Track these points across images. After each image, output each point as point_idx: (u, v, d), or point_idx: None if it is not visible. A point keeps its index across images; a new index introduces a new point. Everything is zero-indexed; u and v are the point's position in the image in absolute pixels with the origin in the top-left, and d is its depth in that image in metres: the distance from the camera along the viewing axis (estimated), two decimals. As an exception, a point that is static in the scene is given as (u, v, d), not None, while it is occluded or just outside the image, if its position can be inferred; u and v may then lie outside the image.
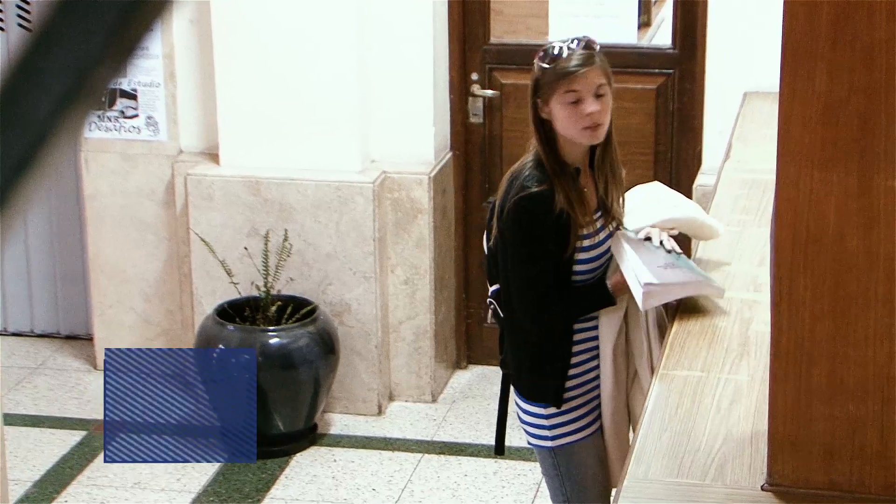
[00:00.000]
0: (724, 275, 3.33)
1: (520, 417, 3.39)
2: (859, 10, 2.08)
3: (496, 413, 5.13)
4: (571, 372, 3.29)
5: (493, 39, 5.16)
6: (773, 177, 2.20)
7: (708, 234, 3.48)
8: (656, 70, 5.02)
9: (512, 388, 3.42)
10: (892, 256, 2.16)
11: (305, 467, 4.73)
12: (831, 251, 2.19)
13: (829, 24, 2.10)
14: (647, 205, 3.42)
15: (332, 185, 4.90)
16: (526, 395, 3.34)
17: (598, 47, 3.20)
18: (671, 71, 5.00)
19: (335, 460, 4.78)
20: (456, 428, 4.99)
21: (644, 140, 5.07)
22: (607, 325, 3.27)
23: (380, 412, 5.09)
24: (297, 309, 4.79)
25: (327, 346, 4.81)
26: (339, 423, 5.03)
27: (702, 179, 4.77)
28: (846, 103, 2.12)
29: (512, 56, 5.17)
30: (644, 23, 5.56)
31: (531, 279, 3.20)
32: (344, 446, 4.88)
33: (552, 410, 3.30)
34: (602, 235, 3.27)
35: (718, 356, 2.89)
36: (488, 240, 3.41)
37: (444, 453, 4.82)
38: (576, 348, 3.29)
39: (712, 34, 4.74)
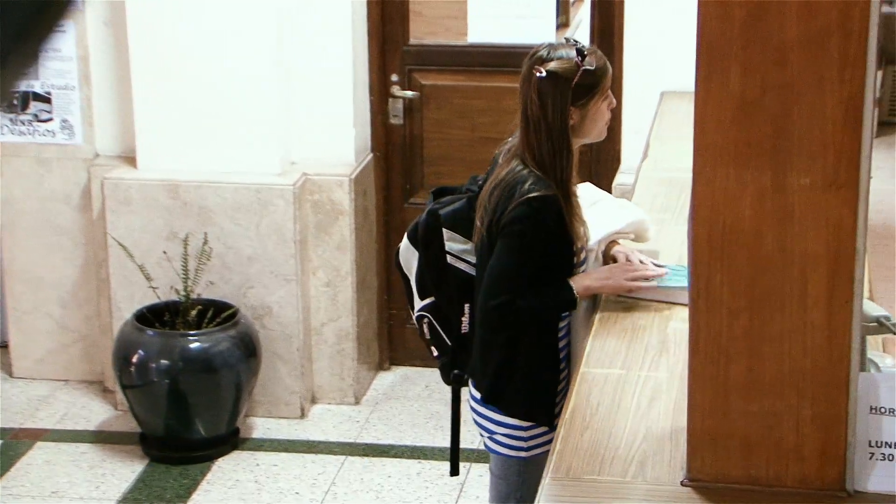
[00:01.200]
0: (643, 273, 3.36)
1: (487, 429, 3.31)
2: (770, 10, 2.11)
3: (420, 414, 5.15)
4: (560, 387, 3.25)
5: (412, 41, 5.16)
6: (690, 175, 2.22)
7: (646, 236, 3.48)
8: (575, 70, 5.04)
9: (474, 397, 3.33)
10: (805, 253, 2.19)
11: (227, 472, 4.69)
12: (747, 248, 2.22)
13: (741, 25, 2.13)
14: (596, 213, 3.42)
15: (252, 187, 4.86)
16: (512, 414, 3.25)
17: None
18: (589, 71, 5.03)
19: (257, 464, 4.75)
20: (379, 430, 4.98)
21: (563, 140, 5.09)
22: (577, 331, 3.25)
23: (302, 415, 5.06)
24: (218, 313, 4.76)
25: (249, 349, 4.77)
26: (261, 426, 4.99)
27: (621, 178, 4.81)
28: (759, 102, 2.15)
29: (431, 57, 5.18)
30: (562, 23, 5.60)
31: (513, 272, 3.12)
32: (266, 450, 4.85)
33: (531, 423, 3.25)
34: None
35: (638, 354, 2.92)
36: (425, 250, 3.34)
37: (367, 455, 4.80)
38: (562, 362, 3.26)
39: (629, 35, 4.77)
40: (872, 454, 2.28)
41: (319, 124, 4.96)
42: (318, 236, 5.03)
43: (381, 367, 5.43)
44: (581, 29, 5.37)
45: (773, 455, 2.28)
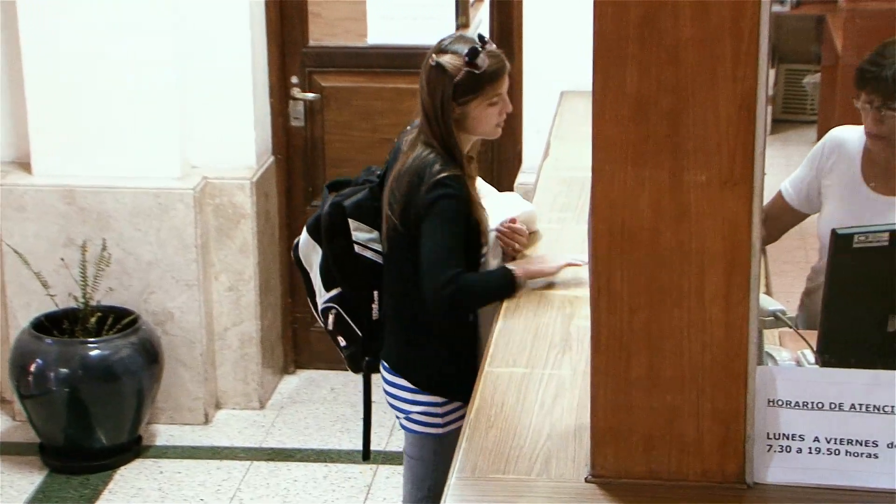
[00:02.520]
0: (545, 272, 3.38)
1: (402, 409, 3.36)
2: (665, 9, 2.13)
3: (325, 417, 5.13)
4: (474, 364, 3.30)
5: (311, 42, 5.14)
6: (590, 174, 2.24)
7: (535, 227, 3.60)
8: (475, 71, 5.06)
9: (387, 379, 3.38)
10: (702, 250, 2.22)
11: (130, 480, 4.63)
12: (646, 245, 2.24)
13: (636, 24, 2.15)
14: (490, 204, 3.49)
15: (151, 192, 4.81)
16: (430, 390, 3.32)
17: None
18: (490, 72, 5.05)
19: (161, 472, 4.69)
20: (285, 433, 4.96)
21: (465, 140, 5.11)
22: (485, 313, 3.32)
23: (206, 421, 5.02)
24: (118, 319, 4.70)
25: (150, 356, 4.72)
26: (164, 433, 4.94)
27: (522, 178, 4.85)
28: (656, 101, 2.17)
29: (331, 59, 5.16)
30: (462, 24, 5.61)
31: (447, 247, 3.18)
32: (170, 457, 4.80)
33: (446, 399, 3.32)
34: None
35: (542, 352, 2.93)
36: (329, 241, 3.38)
37: (273, 460, 4.78)
38: (480, 340, 3.32)
39: (528, 35, 4.80)
40: (770, 446, 2.32)
41: (219, 127, 4.92)
42: (219, 240, 4.98)
43: (285, 370, 5.40)
44: (481, 29, 5.39)
45: (674, 450, 2.31)
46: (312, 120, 5.19)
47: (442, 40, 3.30)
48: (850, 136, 3.39)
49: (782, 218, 3.50)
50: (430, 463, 3.38)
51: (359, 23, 5.25)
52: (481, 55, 3.23)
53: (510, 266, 3.29)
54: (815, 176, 3.43)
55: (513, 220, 3.49)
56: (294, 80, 5.15)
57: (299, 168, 5.27)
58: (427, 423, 3.34)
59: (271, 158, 5.16)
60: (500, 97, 3.28)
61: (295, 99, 5.16)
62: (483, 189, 3.56)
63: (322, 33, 5.23)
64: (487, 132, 3.31)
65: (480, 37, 3.29)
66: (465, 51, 3.22)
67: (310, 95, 5.15)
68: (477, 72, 3.21)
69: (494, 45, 3.32)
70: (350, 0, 5.32)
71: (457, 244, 3.20)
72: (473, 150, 3.40)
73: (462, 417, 3.21)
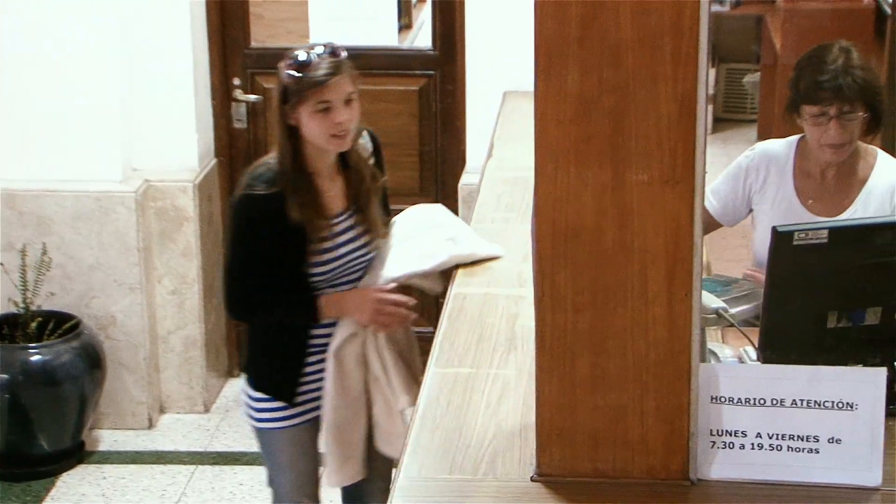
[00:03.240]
0: (490, 272, 3.39)
1: (244, 402, 3.45)
2: (605, 10, 2.14)
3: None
4: (306, 370, 3.36)
5: (253, 44, 5.11)
6: (533, 174, 2.25)
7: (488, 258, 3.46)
8: (418, 71, 5.07)
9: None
10: (645, 248, 2.24)
11: (73, 487, 4.59)
12: (589, 245, 2.25)
13: (577, 24, 2.16)
14: (404, 250, 3.40)
15: (92, 195, 4.76)
16: (251, 383, 3.40)
17: (344, 54, 3.22)
18: (433, 72, 5.06)
19: (104, 477, 4.66)
20: (230, 437, 4.93)
21: (409, 141, 5.12)
22: (340, 328, 3.33)
23: (150, 425, 4.98)
24: (60, 324, 4.65)
25: (93, 360, 4.68)
26: (107, 438, 4.90)
27: (466, 179, 4.85)
28: (597, 101, 2.19)
29: (274, 60, 5.04)
30: (405, 25, 5.62)
31: (235, 276, 3.29)
32: (113, 462, 4.76)
33: (262, 395, 3.38)
34: (345, 237, 3.32)
35: (487, 352, 2.94)
36: None
37: (218, 463, 4.75)
38: (311, 349, 3.35)
39: (470, 35, 4.81)
40: (714, 443, 2.34)
41: (161, 130, 4.88)
42: (162, 243, 4.95)
43: (230, 373, 5.37)
44: (424, 30, 5.40)
45: (619, 448, 2.32)
46: (255, 122, 5.17)
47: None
48: (778, 150, 3.35)
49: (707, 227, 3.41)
50: (262, 454, 3.52)
51: (301, 24, 5.24)
52: (306, 59, 3.17)
53: (325, 297, 3.29)
54: (743, 194, 3.37)
55: (413, 281, 3.41)
56: (236, 81, 5.12)
57: (242, 170, 5.22)
58: (249, 414, 3.44)
59: (214, 161, 5.13)
60: (329, 105, 3.17)
61: (237, 101, 5.13)
62: (416, 226, 3.47)
63: (264, 34, 5.20)
64: (320, 142, 3.21)
65: (329, 44, 3.24)
66: (296, 56, 3.20)
67: (252, 97, 5.13)
68: (297, 75, 3.17)
69: (341, 54, 3.22)
70: (292, 1, 5.31)
71: (251, 260, 3.24)
72: (332, 162, 3.29)
73: (283, 419, 3.39)
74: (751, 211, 3.42)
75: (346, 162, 3.32)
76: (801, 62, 3.29)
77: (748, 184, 3.37)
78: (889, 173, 3.31)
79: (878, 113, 3.22)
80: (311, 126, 3.18)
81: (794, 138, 3.36)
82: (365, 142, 3.41)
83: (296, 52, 3.21)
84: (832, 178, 3.30)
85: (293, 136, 3.22)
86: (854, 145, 3.26)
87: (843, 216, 3.23)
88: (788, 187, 3.32)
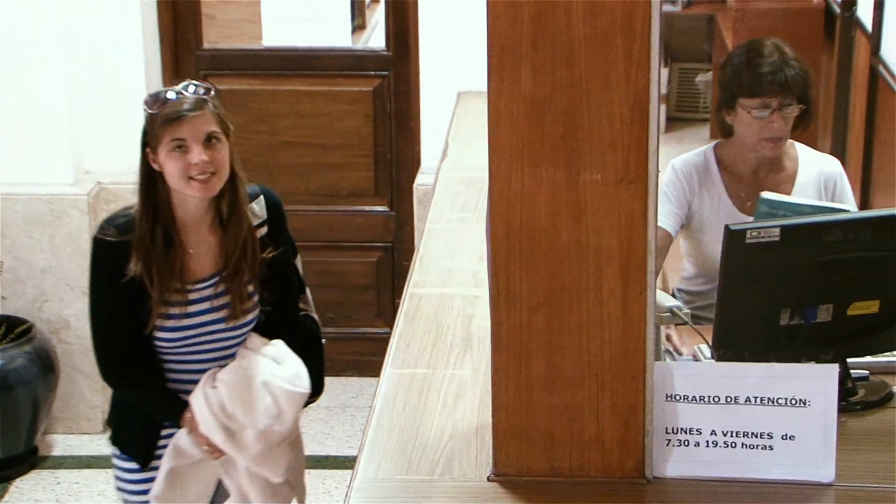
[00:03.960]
0: (445, 272, 3.39)
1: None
2: (557, 10, 2.15)
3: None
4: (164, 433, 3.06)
5: (206, 45, 5.09)
6: (488, 174, 2.25)
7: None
8: (372, 72, 5.07)
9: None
10: (599, 247, 2.24)
11: (26, 492, 4.55)
12: (544, 244, 2.26)
13: (530, 24, 2.16)
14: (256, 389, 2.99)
15: (44, 198, 4.73)
16: (114, 441, 3.13)
17: (212, 92, 2.93)
18: (386, 73, 5.06)
19: (58, 482, 4.62)
20: (186, 441, 4.90)
21: (363, 142, 5.11)
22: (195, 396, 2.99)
23: (105, 430, 4.93)
24: (12, 328, 4.61)
25: (46, 365, 4.64)
26: (61, 443, 4.86)
27: (421, 179, 4.85)
28: (550, 101, 2.19)
29: (227, 61, 5.12)
30: (359, 25, 5.61)
31: (96, 329, 2.97)
32: (68, 467, 4.72)
33: (119, 453, 3.11)
34: (201, 307, 2.97)
35: (443, 353, 2.94)
36: None
37: (174, 468, 4.72)
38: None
39: (424, 36, 4.81)
40: (669, 440, 2.35)
41: (113, 131, 4.85)
42: (115, 246, 4.91)
43: (185, 377, 5.34)
44: (378, 30, 5.39)
45: (575, 447, 2.33)
46: (208, 123, 5.13)
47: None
48: (696, 160, 3.33)
49: (665, 249, 3.34)
50: None
51: (254, 25, 5.22)
52: (164, 96, 2.88)
53: (189, 411, 2.96)
54: (687, 206, 3.33)
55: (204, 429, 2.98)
56: (189, 83, 5.09)
57: (196, 172, 5.21)
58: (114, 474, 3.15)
59: (167, 162, 5.10)
60: (184, 144, 2.84)
61: (190, 102, 5.10)
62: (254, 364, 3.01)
63: (216, 35, 5.18)
64: (177, 186, 2.86)
65: (196, 83, 2.93)
66: (158, 95, 2.92)
67: (205, 98, 5.10)
68: (153, 112, 2.88)
69: (211, 92, 2.92)
70: (244, 2, 5.29)
71: (104, 311, 2.93)
72: (204, 215, 2.94)
73: (137, 481, 3.08)
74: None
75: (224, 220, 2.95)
76: (732, 60, 3.30)
77: (687, 197, 3.32)
78: (814, 164, 3.35)
79: (811, 106, 3.26)
80: (168, 167, 2.85)
81: (706, 148, 3.37)
82: (260, 207, 3.03)
83: (163, 90, 2.93)
84: (764, 177, 3.32)
85: (155, 181, 2.89)
86: (786, 141, 3.29)
87: None
88: (721, 194, 3.32)
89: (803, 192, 3.27)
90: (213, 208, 2.94)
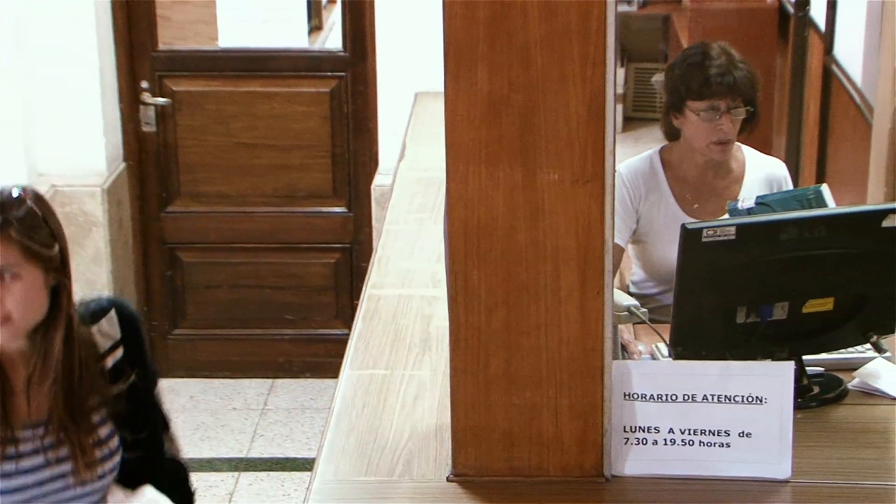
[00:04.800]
0: (403, 273, 3.39)
1: None
2: (513, 10, 2.15)
3: (186, 426, 5.06)
4: None
5: (161, 46, 5.06)
6: (445, 174, 2.25)
7: None
8: (329, 73, 5.06)
9: None
10: (557, 247, 2.25)
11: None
12: (501, 244, 2.26)
13: (486, 24, 2.16)
14: None
15: (-2, 201, 4.67)
16: None
17: (26, 204, 2.28)
18: (343, 74, 5.05)
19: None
20: (143, 445, 4.87)
21: (321, 143, 5.10)
22: None
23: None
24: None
25: (1, 369, 4.58)
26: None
27: (379, 180, 4.85)
28: (507, 101, 2.19)
29: (182, 63, 5.09)
30: (316, 26, 5.59)
31: None
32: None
33: None
34: (34, 462, 2.30)
35: (402, 353, 2.93)
36: None
37: (132, 472, 4.69)
38: None
39: (381, 36, 4.81)
40: (627, 439, 2.36)
41: (67, 133, 4.81)
42: (71, 249, 4.82)
43: (142, 380, 5.30)
44: (335, 31, 5.38)
45: (534, 446, 2.33)
46: (165, 125, 5.11)
47: None
48: (641, 166, 3.34)
49: (618, 262, 3.35)
50: None
51: (209, 26, 5.19)
52: None
53: None
54: (636, 213, 3.34)
55: None
56: (144, 84, 5.06)
57: (153, 174, 5.18)
58: None
59: (123, 165, 5.07)
60: None
61: (146, 104, 5.08)
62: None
63: (172, 37, 5.15)
64: None
65: (22, 192, 2.30)
66: None
67: (161, 100, 5.07)
68: None
69: (16, 213, 2.26)
70: (200, 3, 5.26)
71: None
72: (73, 361, 2.32)
73: None
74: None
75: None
76: (679, 63, 3.31)
77: (632, 205, 3.33)
78: (761, 166, 3.37)
79: (757, 109, 3.28)
80: None
81: (651, 152, 3.38)
82: (111, 325, 2.44)
83: None
84: (712, 179, 3.34)
85: None
86: (734, 143, 3.31)
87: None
88: (668, 199, 3.33)
89: (750, 194, 3.29)
90: (37, 344, 2.31)
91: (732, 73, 3.20)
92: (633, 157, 3.39)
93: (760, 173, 3.36)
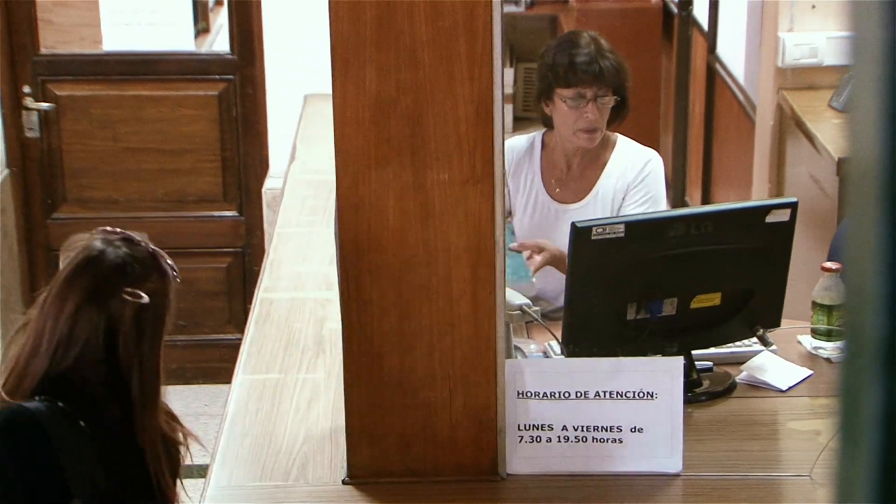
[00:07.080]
0: (296, 276, 3.37)
1: None
2: (399, 11, 2.15)
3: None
4: None
5: (43, 50, 4.96)
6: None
7: None
8: (217, 76, 5.01)
9: None
10: (448, 247, 2.25)
11: None
12: (393, 246, 2.26)
13: (373, 26, 2.16)
14: None
15: None
16: None
17: None
18: (232, 77, 5.00)
19: None
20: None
21: (209, 147, 5.05)
22: None
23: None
24: None
25: None
26: None
27: (270, 183, 4.82)
28: (395, 103, 2.19)
29: (66, 67, 5.00)
30: (203, 29, 5.53)
31: None
32: None
33: None
34: None
35: (295, 357, 2.92)
36: None
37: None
38: None
39: (269, 39, 4.78)
40: (521, 437, 2.37)
41: (-52, 140, 4.70)
42: (-47, 259, 4.76)
43: (31, 391, 5.20)
44: (223, 34, 5.33)
45: (429, 447, 2.33)
46: (48, 130, 5.01)
47: None
48: (521, 144, 3.36)
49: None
50: None
51: (94, 29, 5.10)
52: None
53: None
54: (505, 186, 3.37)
55: None
56: (26, 89, 4.96)
57: (37, 181, 5.08)
58: None
59: (6, 171, 4.96)
60: None
61: (28, 109, 4.97)
62: None
63: (55, 41, 5.05)
64: None
65: None
66: None
67: (44, 105, 4.97)
68: None
69: None
70: (83, 6, 5.17)
71: None
72: None
73: None
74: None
75: None
76: (550, 50, 3.33)
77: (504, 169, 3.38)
78: (629, 154, 3.40)
79: (626, 99, 3.32)
80: None
81: (537, 133, 3.42)
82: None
83: None
84: (577, 167, 3.37)
85: None
86: (603, 132, 3.34)
87: (583, 202, 3.29)
88: (537, 179, 3.37)
89: (607, 179, 3.31)
90: None
91: (599, 61, 3.22)
92: (523, 135, 3.42)
93: (625, 160, 3.37)
